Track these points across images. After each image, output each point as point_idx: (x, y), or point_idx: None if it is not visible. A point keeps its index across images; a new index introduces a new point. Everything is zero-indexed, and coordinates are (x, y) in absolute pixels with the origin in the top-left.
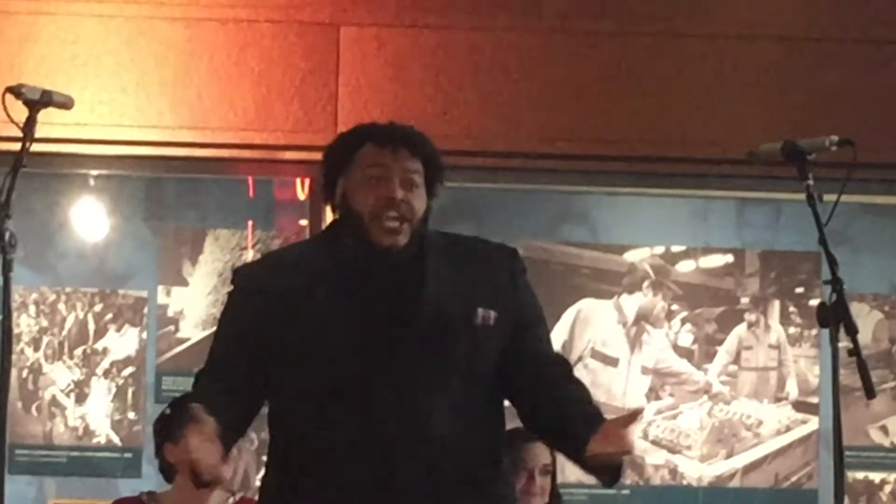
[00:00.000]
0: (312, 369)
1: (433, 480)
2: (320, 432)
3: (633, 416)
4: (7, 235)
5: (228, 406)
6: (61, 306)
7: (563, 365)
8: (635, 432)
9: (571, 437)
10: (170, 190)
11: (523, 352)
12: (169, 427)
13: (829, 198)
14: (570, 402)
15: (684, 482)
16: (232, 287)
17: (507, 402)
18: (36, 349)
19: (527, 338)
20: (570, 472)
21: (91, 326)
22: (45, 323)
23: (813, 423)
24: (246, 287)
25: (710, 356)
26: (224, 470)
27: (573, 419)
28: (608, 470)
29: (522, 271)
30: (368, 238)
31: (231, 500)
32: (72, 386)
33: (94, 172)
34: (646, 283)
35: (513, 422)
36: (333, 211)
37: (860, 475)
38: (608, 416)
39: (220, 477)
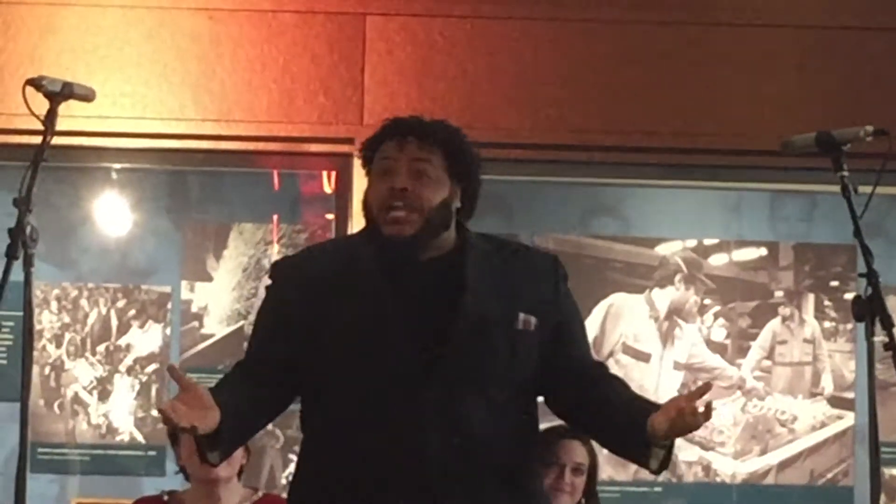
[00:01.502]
0: (351, 369)
1: (472, 483)
2: (359, 433)
3: (701, 391)
4: (28, 230)
5: (249, 396)
6: (83, 302)
7: (605, 368)
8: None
9: (632, 427)
10: (193, 184)
11: (568, 361)
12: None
13: (865, 189)
14: (629, 401)
15: (718, 479)
16: (269, 281)
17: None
18: (58, 346)
19: (570, 347)
20: (601, 470)
21: (114, 322)
22: (67, 319)
23: (849, 419)
24: (283, 280)
25: (743, 351)
26: (213, 417)
27: (635, 412)
28: (657, 455)
29: (564, 279)
30: (380, 231)
31: (255, 496)
32: (94, 383)
33: (117, 166)
34: (678, 277)
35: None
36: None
37: None
38: None
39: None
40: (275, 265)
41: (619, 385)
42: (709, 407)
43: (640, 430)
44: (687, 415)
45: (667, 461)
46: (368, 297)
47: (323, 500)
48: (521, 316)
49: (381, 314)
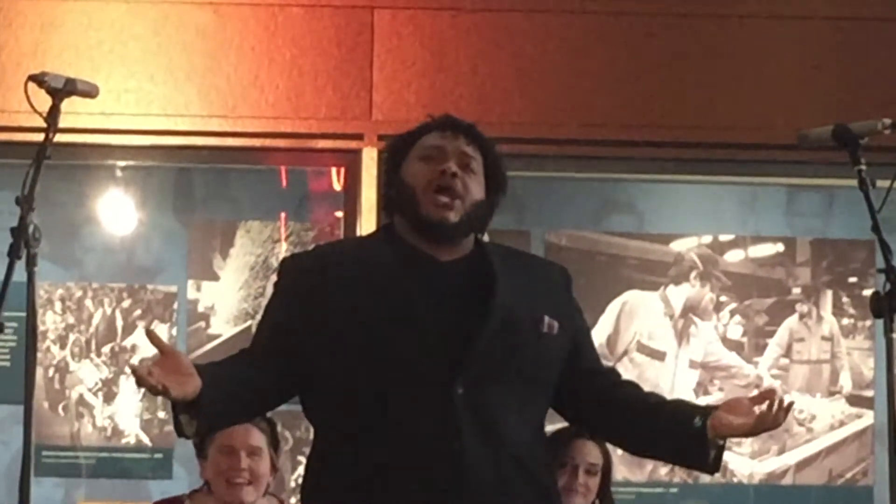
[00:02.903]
0: (377, 365)
1: (502, 480)
2: (388, 429)
3: (765, 396)
4: (31, 229)
5: (244, 378)
6: (88, 302)
7: (618, 374)
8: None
9: (683, 430)
10: (199, 181)
11: (586, 368)
12: (203, 441)
13: (883, 183)
14: (666, 404)
15: (735, 480)
16: (277, 277)
17: None
18: (62, 347)
19: (585, 355)
20: (616, 470)
21: (119, 323)
22: (71, 320)
23: (868, 418)
24: (292, 275)
25: (760, 349)
26: (190, 384)
27: (682, 415)
28: (709, 456)
29: (571, 287)
30: (419, 212)
31: None
32: (100, 385)
33: (121, 163)
34: (693, 274)
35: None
36: (387, 211)
37: None
38: None
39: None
40: (284, 261)
41: (640, 389)
42: (791, 405)
43: (695, 432)
44: (769, 414)
45: (720, 460)
46: (392, 293)
47: (349, 497)
48: (546, 319)
49: (408, 311)
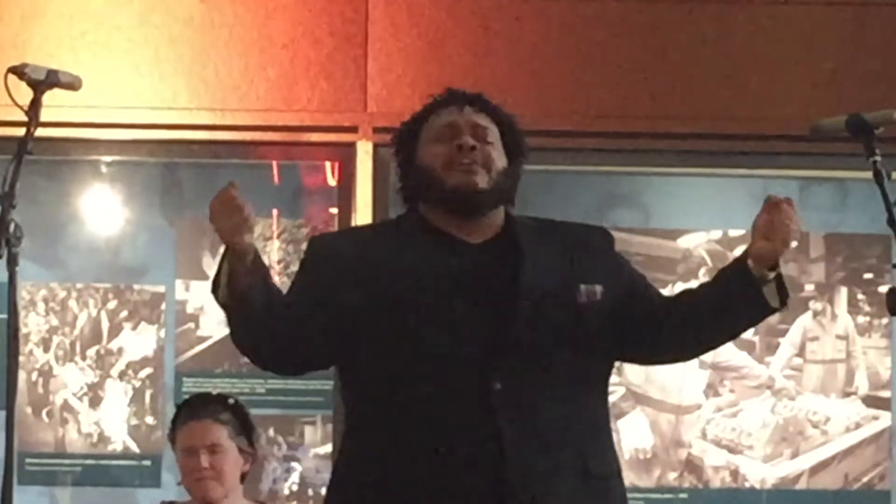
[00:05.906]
0: (409, 360)
1: (545, 472)
2: (424, 422)
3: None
4: (12, 227)
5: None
6: (72, 304)
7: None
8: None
9: (729, 285)
10: (188, 176)
11: (655, 304)
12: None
13: None
14: (713, 279)
15: (747, 484)
16: (305, 255)
17: None
18: (46, 350)
19: (646, 293)
20: (624, 476)
21: (105, 325)
22: (55, 322)
23: (885, 420)
24: (322, 255)
25: (772, 348)
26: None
27: (725, 276)
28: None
29: (613, 245)
30: (445, 186)
31: None
32: (85, 389)
33: (106, 159)
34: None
35: None
36: (405, 201)
37: None
38: (664, 413)
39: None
40: (314, 239)
41: (694, 291)
42: (788, 200)
43: (738, 280)
44: (776, 218)
45: (784, 293)
46: (426, 285)
47: (385, 490)
48: (583, 287)
49: (442, 304)
